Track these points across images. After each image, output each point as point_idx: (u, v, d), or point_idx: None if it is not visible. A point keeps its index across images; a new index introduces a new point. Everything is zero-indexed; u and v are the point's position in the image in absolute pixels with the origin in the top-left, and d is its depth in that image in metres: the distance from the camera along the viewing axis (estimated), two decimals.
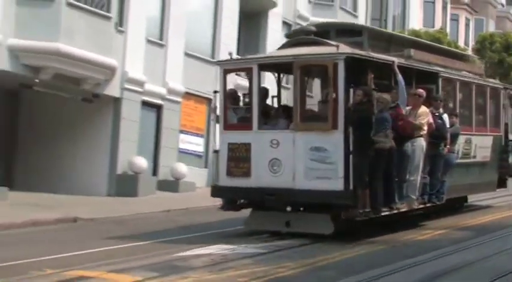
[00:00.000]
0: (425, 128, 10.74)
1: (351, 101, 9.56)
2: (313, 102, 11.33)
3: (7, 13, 14.05)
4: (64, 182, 16.37)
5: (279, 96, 11.19)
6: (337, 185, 9.38)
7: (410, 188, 10.63)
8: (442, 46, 15.80)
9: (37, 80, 14.84)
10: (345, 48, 9.88)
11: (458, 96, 12.88)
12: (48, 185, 16.16)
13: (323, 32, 11.36)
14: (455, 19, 38.92)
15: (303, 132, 9.69)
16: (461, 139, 12.75)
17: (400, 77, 10.25)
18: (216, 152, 10.77)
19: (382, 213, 9.95)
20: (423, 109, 10.81)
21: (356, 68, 10.40)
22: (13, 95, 17.35)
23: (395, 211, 10.27)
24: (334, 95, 9.41)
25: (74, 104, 16.46)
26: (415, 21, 33.19)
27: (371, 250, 8.84)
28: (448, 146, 11.62)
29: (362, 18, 28.40)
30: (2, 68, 14.20)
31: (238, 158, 10.28)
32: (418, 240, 9.75)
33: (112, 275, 7.22)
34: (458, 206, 13.78)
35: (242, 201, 10.69)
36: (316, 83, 12.24)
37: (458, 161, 12.68)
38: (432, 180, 11.45)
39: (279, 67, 10.26)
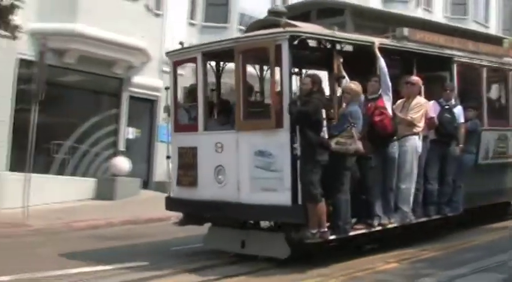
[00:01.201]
0: (421, 124, 8.50)
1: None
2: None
3: None
4: None
5: (218, 89, 9.31)
6: (284, 198, 7.39)
7: (402, 199, 8.46)
8: (460, 26, 13.01)
9: None
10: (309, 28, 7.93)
11: (485, 85, 10.35)
12: None
13: (302, 14, 9.42)
14: None
15: (247, 133, 7.80)
16: (493, 136, 10.28)
17: (381, 62, 8.11)
18: (168, 157, 9.14)
19: (353, 233, 7.85)
20: (417, 100, 8.57)
21: (319, 51, 8.43)
22: None
23: (377, 228, 8.13)
24: (278, 87, 7.49)
25: None
26: None
27: None
28: (461, 145, 9.24)
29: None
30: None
31: (187, 165, 8.57)
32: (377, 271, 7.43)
33: None
34: (502, 213, 11.23)
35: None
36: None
37: (491, 161, 10.24)
38: (442, 186, 9.16)
39: (225, 55, 8.40)
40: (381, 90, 8.17)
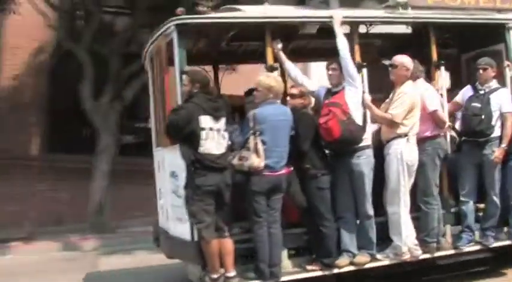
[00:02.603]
0: (408, 121, 6.02)
1: None
2: None
3: None
4: None
5: None
6: (185, 231, 5.82)
7: (391, 228, 6.08)
8: None
9: None
10: None
11: None
12: None
13: None
14: None
15: (167, 149, 6.38)
16: None
17: (340, 42, 5.93)
18: None
19: (286, 278, 5.79)
20: (401, 89, 6.08)
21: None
22: None
23: (346, 268, 5.93)
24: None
25: None
26: None
27: None
28: (503, 146, 6.33)
29: None
30: None
31: None
32: None
33: None
34: None
35: None
36: None
37: None
38: (485, 205, 6.42)
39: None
40: (345, 82, 5.99)
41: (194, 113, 5.40)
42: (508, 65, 6.84)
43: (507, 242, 6.66)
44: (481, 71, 6.50)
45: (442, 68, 6.62)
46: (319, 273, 5.91)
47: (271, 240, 5.63)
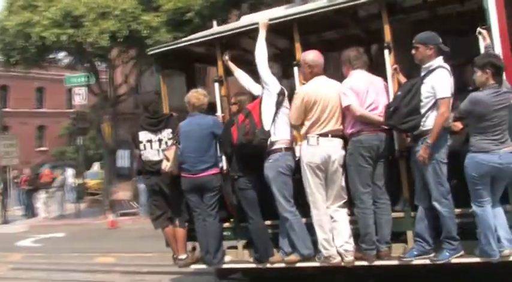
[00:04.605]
0: (308, 122, 5.84)
1: None
2: None
3: None
4: None
5: None
6: None
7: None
8: None
9: None
10: None
11: None
12: None
13: None
14: None
15: None
16: None
17: (259, 45, 6.24)
18: None
19: (227, 266, 6.49)
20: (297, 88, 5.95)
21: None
22: None
23: (269, 265, 6.28)
24: None
25: None
26: None
27: None
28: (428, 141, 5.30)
29: None
30: None
31: None
32: None
33: None
34: None
35: None
36: None
37: None
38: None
39: None
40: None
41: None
42: (480, 32, 5.32)
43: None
44: (413, 51, 5.40)
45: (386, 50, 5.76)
46: (253, 265, 6.43)
47: (206, 231, 6.57)
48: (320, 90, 5.81)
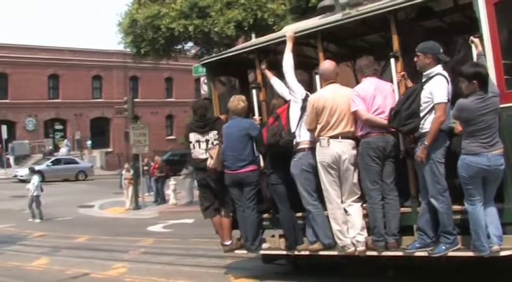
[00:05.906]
0: (320, 126, 6.52)
1: None
2: None
3: None
4: None
5: None
6: None
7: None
8: None
9: None
10: None
11: None
12: None
13: None
14: None
15: None
16: None
17: (285, 60, 6.96)
18: None
19: (265, 252, 7.29)
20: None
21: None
22: None
23: (302, 252, 7.01)
24: None
25: None
26: None
27: None
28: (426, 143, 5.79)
29: None
30: None
31: None
32: None
33: None
34: None
35: None
36: None
37: None
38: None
39: None
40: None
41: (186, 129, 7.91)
42: (472, 41, 5.67)
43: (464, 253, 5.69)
44: (415, 59, 5.86)
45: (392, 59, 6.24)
46: (284, 252, 7.18)
47: (245, 221, 7.43)
48: (327, 96, 6.43)
